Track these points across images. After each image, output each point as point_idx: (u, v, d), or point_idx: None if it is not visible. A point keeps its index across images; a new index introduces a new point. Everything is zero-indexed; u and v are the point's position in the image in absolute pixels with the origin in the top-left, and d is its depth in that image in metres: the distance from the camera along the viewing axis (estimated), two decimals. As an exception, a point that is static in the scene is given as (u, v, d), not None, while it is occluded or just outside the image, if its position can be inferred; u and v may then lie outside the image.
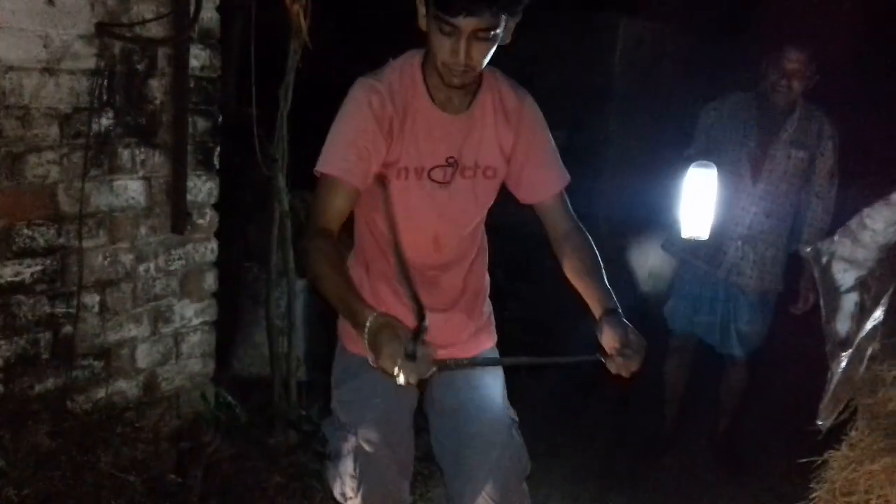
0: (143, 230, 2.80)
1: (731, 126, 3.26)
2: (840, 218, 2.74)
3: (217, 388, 3.14)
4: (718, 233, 3.18)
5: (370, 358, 1.64)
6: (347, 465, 1.93)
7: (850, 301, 2.11)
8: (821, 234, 3.17)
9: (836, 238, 2.20)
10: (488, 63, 1.79)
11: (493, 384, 2.03)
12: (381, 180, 1.86)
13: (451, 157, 1.88)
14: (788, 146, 3.20)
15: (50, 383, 2.61)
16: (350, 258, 2.06)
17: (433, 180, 1.88)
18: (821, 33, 3.38)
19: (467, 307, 2.05)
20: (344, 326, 2.05)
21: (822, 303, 2.22)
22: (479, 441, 1.95)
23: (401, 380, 1.56)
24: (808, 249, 2.34)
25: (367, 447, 1.92)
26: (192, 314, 3.00)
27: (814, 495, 2.03)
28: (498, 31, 1.71)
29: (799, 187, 3.24)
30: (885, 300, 1.95)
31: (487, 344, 2.11)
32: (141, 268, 2.82)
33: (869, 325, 1.97)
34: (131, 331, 2.83)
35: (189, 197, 2.87)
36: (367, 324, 1.61)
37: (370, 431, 1.93)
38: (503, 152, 1.93)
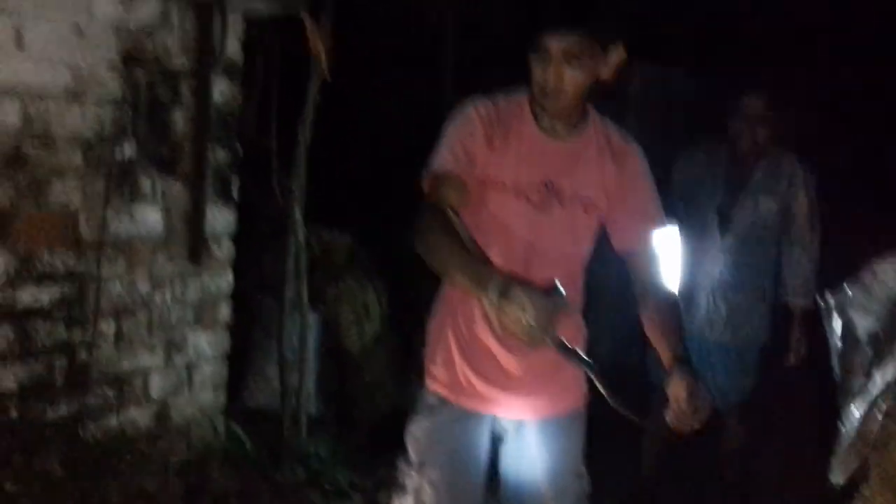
0: (160, 259, 2.80)
1: (702, 175, 3.17)
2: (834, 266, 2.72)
3: (227, 420, 3.11)
4: (690, 285, 3.09)
5: (493, 318, 1.57)
6: (408, 503, 1.95)
7: (862, 355, 2.09)
8: (806, 284, 3.10)
9: (847, 290, 2.19)
10: (597, 109, 1.90)
11: (570, 449, 1.99)
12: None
13: (550, 181, 1.88)
14: (757, 194, 3.10)
15: (63, 410, 2.59)
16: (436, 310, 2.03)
17: (530, 201, 1.87)
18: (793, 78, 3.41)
19: (555, 356, 1.89)
20: (429, 360, 2.01)
21: (833, 357, 2.20)
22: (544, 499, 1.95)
23: (530, 321, 1.51)
24: (821, 301, 2.32)
25: (429, 489, 1.92)
26: (206, 345, 2.99)
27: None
28: (589, 58, 1.76)
29: (775, 236, 3.14)
30: (895, 355, 1.94)
31: (574, 403, 2.02)
32: (157, 296, 2.81)
33: (882, 379, 1.95)
34: (145, 360, 2.82)
35: (207, 227, 2.88)
36: (506, 281, 1.56)
37: (435, 473, 1.93)
38: (605, 188, 1.91)
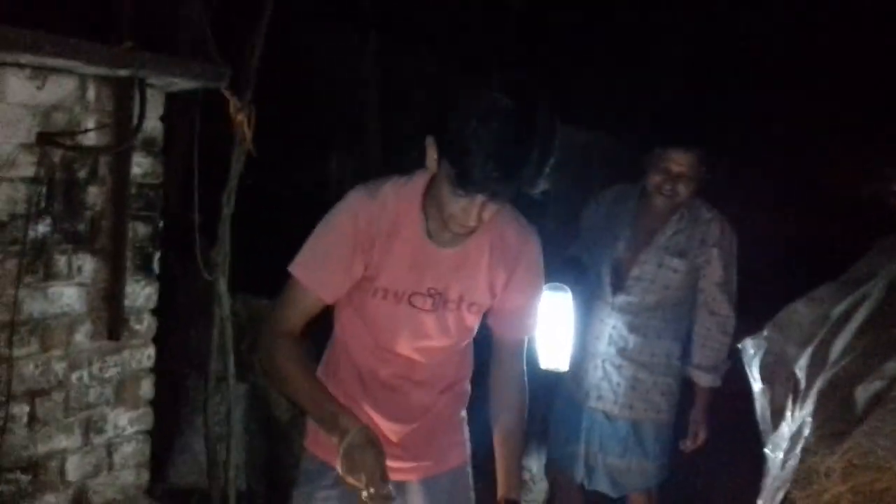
0: (77, 337, 2.68)
1: (606, 224, 2.81)
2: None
3: (151, 500, 2.96)
4: (582, 349, 2.76)
5: (339, 467, 1.56)
6: None
7: (781, 395, 2.12)
8: (716, 355, 2.70)
9: (764, 333, 2.22)
10: None
11: (457, 501, 1.95)
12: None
13: (435, 289, 1.77)
14: (662, 253, 2.70)
15: (-28, 500, 2.43)
16: (317, 370, 1.96)
17: (413, 306, 1.78)
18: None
19: (436, 422, 1.93)
20: (310, 424, 1.94)
21: (754, 398, 2.22)
22: None
23: (366, 495, 1.53)
24: (739, 345, 2.32)
25: None
26: (127, 423, 2.85)
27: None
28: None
29: (680, 300, 2.71)
30: (813, 393, 1.97)
31: (457, 462, 1.99)
32: (74, 376, 2.68)
33: (800, 417, 1.97)
34: (62, 442, 2.66)
35: (127, 302, 2.77)
36: (350, 435, 1.56)
37: None
38: (492, 290, 1.83)
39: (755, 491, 2.06)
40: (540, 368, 2.62)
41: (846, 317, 2.09)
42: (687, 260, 2.69)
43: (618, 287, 2.75)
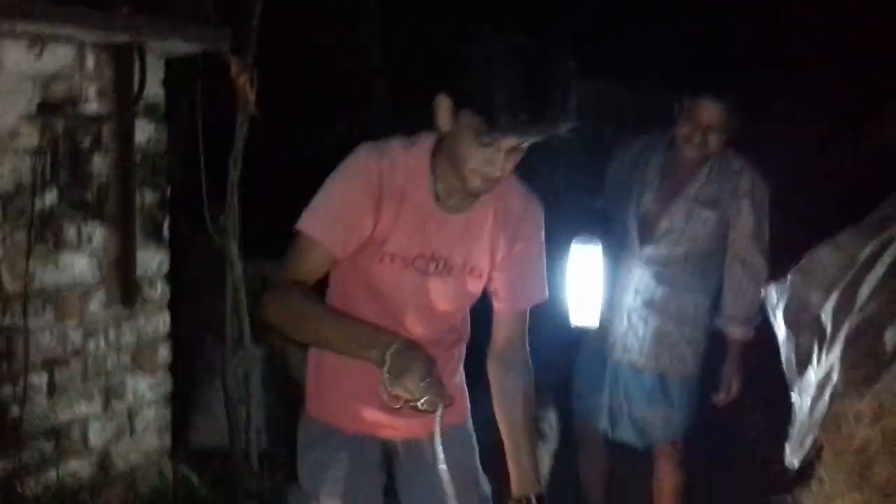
0: (91, 306, 2.62)
1: (633, 176, 2.69)
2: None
3: (175, 463, 2.92)
4: (608, 301, 2.64)
5: (385, 380, 1.47)
6: None
7: (807, 341, 2.03)
8: (748, 307, 2.59)
9: (789, 279, 2.12)
10: None
11: (465, 456, 1.86)
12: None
13: (440, 255, 1.70)
14: (692, 203, 2.59)
15: (-2, 468, 2.39)
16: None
17: (416, 269, 1.70)
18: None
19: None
20: (310, 387, 1.86)
21: (780, 347, 2.12)
22: None
23: (422, 402, 1.45)
24: (763, 293, 2.21)
25: None
26: (146, 388, 2.80)
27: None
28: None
29: (709, 252, 2.61)
30: (840, 338, 1.88)
31: (457, 421, 1.87)
32: (91, 344, 2.63)
33: (827, 362, 1.89)
34: (82, 409, 2.62)
35: (139, 270, 2.71)
36: (396, 344, 1.48)
37: (333, 499, 1.78)
38: (493, 259, 1.75)
39: (783, 438, 1.99)
40: (555, 323, 2.52)
41: (872, 260, 1.99)
42: (717, 211, 2.59)
43: (645, 239, 2.64)
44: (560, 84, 1.48)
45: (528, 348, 1.80)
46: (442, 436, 1.53)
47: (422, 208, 1.65)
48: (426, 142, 1.66)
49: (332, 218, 1.63)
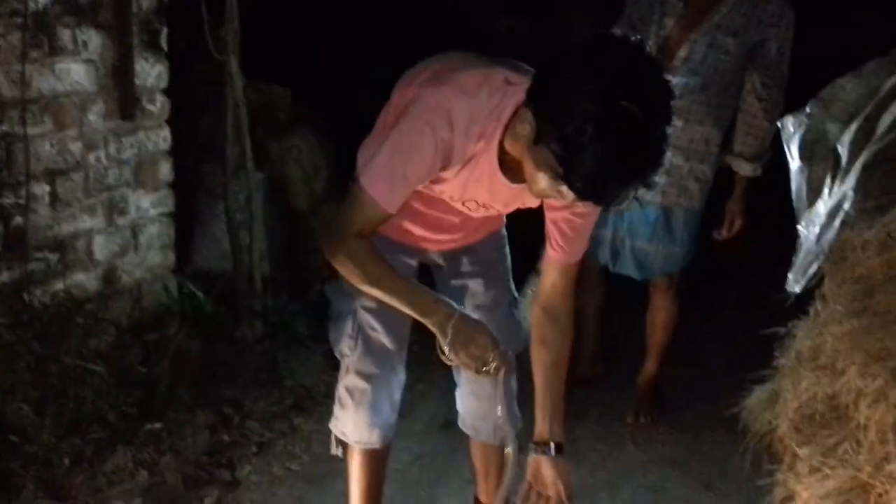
0: (91, 117, 2.55)
1: (652, 3, 2.56)
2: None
3: (181, 280, 2.96)
4: None
5: (447, 346, 1.60)
6: (347, 326, 1.88)
7: (820, 172, 2.01)
8: (760, 143, 2.53)
9: (807, 110, 2.07)
10: None
11: (499, 265, 1.92)
12: None
13: (492, 205, 1.72)
14: (715, 31, 2.48)
15: (5, 276, 2.40)
16: None
17: (465, 207, 1.74)
18: None
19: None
20: None
21: (792, 178, 2.10)
22: (479, 314, 1.86)
23: (492, 367, 1.60)
24: (779, 123, 2.15)
25: (363, 310, 1.86)
26: (149, 205, 2.78)
27: (777, 363, 1.97)
28: None
29: (727, 84, 2.52)
30: (856, 168, 1.86)
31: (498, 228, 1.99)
32: (91, 156, 2.57)
33: (839, 192, 1.88)
34: (86, 222, 2.61)
35: (137, 81, 2.61)
36: (457, 316, 1.60)
37: (368, 296, 1.81)
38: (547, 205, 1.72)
39: (782, 276, 2.00)
40: None
41: (894, 92, 1.94)
42: (740, 40, 2.47)
43: (663, 67, 2.53)
44: (652, 164, 1.35)
45: (572, 300, 1.80)
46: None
47: (486, 176, 1.62)
48: (507, 106, 1.53)
49: (397, 186, 1.58)
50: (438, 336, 1.61)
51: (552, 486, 1.68)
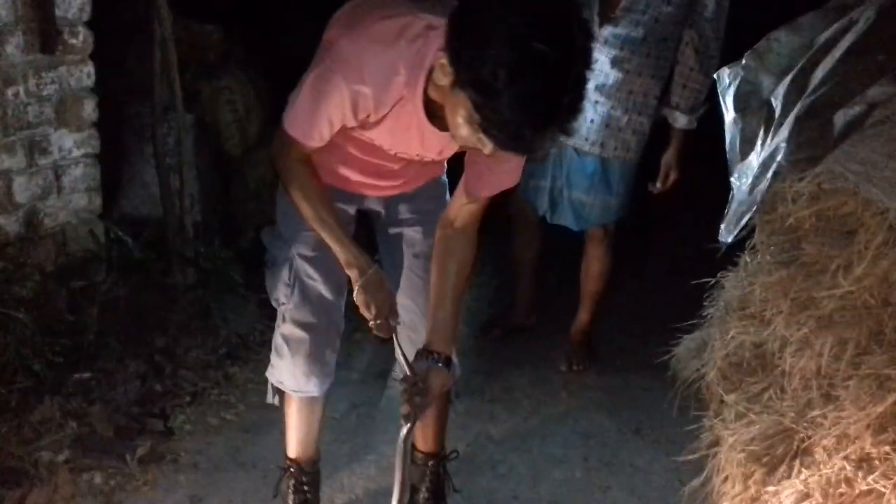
0: (8, 49, 2.40)
1: None
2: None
3: (108, 225, 2.84)
4: None
5: (355, 298, 1.76)
6: (283, 273, 1.87)
7: (753, 124, 2.03)
8: (696, 96, 2.56)
9: (742, 62, 2.08)
10: None
11: (438, 213, 1.88)
12: None
13: (423, 155, 1.73)
14: None
15: (-86, 218, 2.27)
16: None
17: (399, 157, 1.75)
18: None
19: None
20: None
21: (726, 130, 2.12)
22: (417, 262, 1.93)
23: (372, 325, 1.79)
24: (715, 75, 2.17)
25: (300, 258, 1.85)
26: (72, 145, 2.65)
27: (707, 313, 2.02)
28: None
29: (666, 35, 2.52)
30: (789, 120, 1.89)
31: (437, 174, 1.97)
32: (9, 92, 2.43)
33: (772, 144, 1.91)
34: (4, 162, 2.48)
35: (58, 12, 2.46)
36: (368, 274, 1.73)
37: (305, 244, 1.85)
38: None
39: (716, 220, 2.03)
40: None
41: (830, 44, 1.96)
42: None
43: (605, 18, 2.50)
44: (569, 109, 1.31)
45: (478, 225, 1.81)
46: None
47: (413, 121, 1.58)
48: (428, 50, 1.47)
49: (318, 124, 1.61)
50: (352, 279, 1.75)
51: (433, 389, 1.75)
